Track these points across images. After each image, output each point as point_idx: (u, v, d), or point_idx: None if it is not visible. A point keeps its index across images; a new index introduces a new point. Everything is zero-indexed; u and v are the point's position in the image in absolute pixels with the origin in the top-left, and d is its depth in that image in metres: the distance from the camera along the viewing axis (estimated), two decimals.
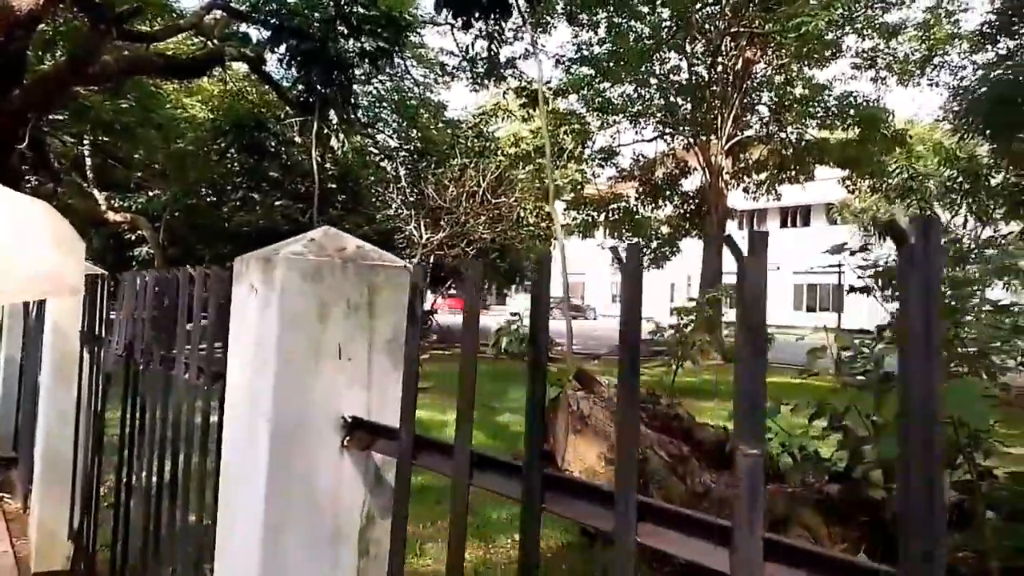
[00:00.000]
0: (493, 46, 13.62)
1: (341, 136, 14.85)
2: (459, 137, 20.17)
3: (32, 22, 11.89)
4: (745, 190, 20.73)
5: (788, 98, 18.47)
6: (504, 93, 20.09)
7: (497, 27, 12.48)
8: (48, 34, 14.36)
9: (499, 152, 19.28)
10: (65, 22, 13.54)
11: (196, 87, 23.19)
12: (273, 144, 15.15)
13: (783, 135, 19.40)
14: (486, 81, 19.08)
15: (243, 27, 19.76)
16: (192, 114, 21.55)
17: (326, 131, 14.39)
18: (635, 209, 20.86)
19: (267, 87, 19.88)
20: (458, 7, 8.83)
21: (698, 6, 18.29)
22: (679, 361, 11.50)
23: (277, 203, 19.49)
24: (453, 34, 18.56)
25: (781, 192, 20.73)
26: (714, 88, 18.27)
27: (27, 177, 16.13)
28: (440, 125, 20.85)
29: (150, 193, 23.89)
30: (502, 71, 14.12)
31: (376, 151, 22.56)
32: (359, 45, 13.60)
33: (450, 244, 16.55)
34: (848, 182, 20.04)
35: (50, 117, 19.00)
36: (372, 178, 22.33)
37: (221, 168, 21.61)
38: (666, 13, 19.79)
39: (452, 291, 21.84)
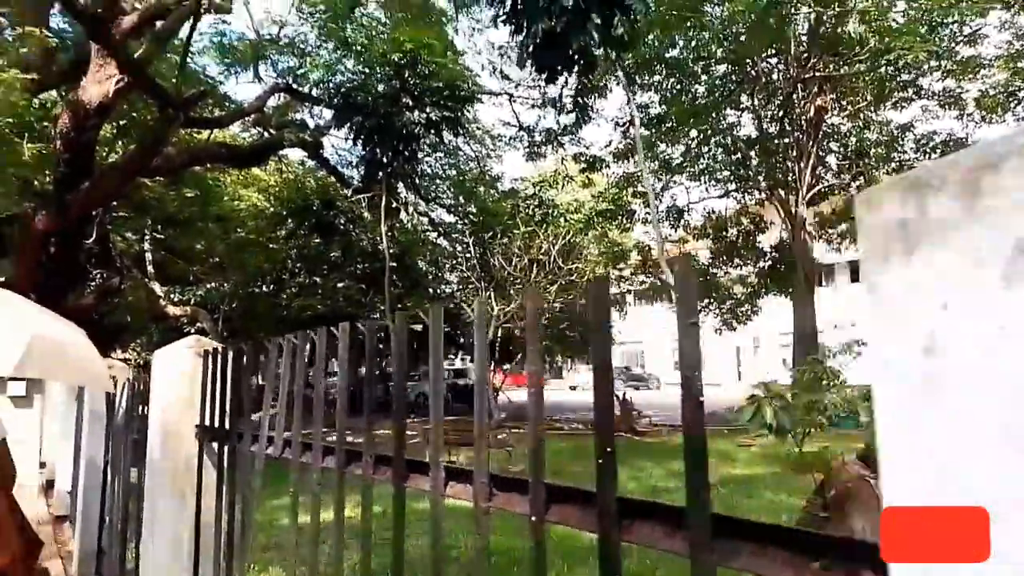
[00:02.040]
0: (580, 99, 13.09)
1: (410, 209, 14.37)
2: (519, 207, 19.65)
3: (102, 113, 11.80)
4: (828, 242, 19.62)
5: (865, 143, 17.59)
6: (563, 160, 19.69)
7: (583, 81, 12.00)
8: (115, 126, 14.33)
9: (562, 218, 18.67)
10: (132, 113, 13.47)
11: (252, 178, 23.37)
12: (342, 222, 14.75)
13: (860, 182, 18.39)
14: (556, 142, 18.63)
15: (300, 114, 20.06)
16: (252, 202, 21.61)
17: (394, 205, 13.92)
18: (707, 269, 19.86)
19: (324, 172, 19.95)
20: (543, 62, 8.26)
21: (755, 59, 17.73)
22: (805, 431, 10.22)
23: (339, 285, 19.09)
24: (512, 104, 18.29)
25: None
26: (787, 139, 17.51)
27: (92, 271, 15.99)
28: (497, 196, 20.40)
29: (208, 286, 23.84)
30: (582, 123, 13.60)
31: (431, 228, 22.23)
32: (424, 116, 13.23)
33: (520, 316, 15.73)
34: None
35: (112, 214, 19.15)
36: (429, 256, 21.89)
37: (280, 255, 21.46)
38: (721, 69, 19.32)
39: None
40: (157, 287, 21.12)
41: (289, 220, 20.47)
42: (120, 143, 15.07)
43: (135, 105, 14.19)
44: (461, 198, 20.53)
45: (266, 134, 18.94)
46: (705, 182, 19.97)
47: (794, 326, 16.75)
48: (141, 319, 22.76)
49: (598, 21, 7.51)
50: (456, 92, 14.00)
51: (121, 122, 15.11)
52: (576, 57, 8.04)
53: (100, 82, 11.71)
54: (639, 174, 17.75)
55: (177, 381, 2.69)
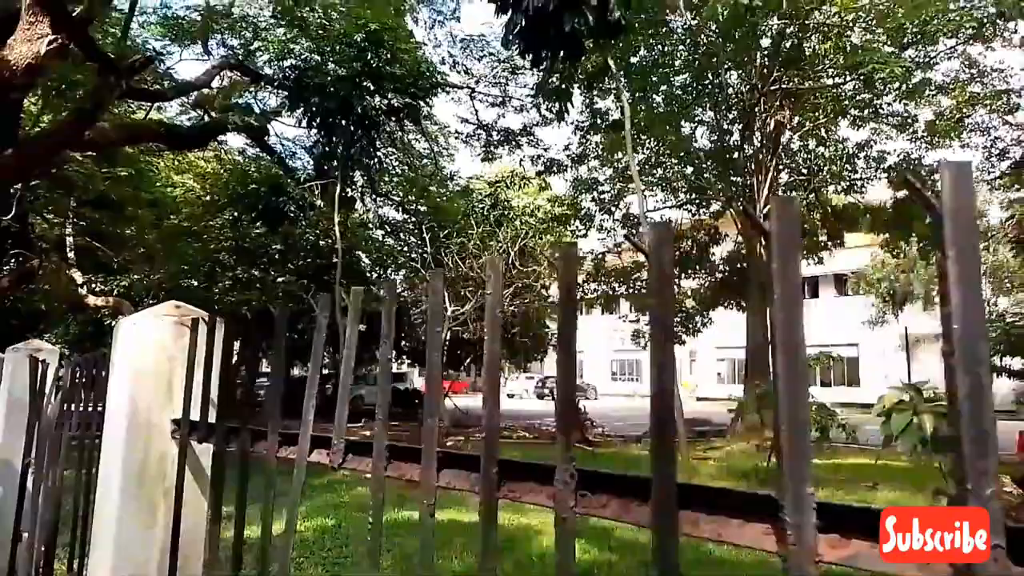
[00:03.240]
0: (566, 86, 12.60)
1: (366, 200, 13.59)
2: (474, 206, 19.09)
3: (30, 75, 10.65)
4: None
5: (819, 161, 17.80)
6: (520, 161, 19.27)
7: (571, 67, 11.52)
8: (42, 96, 13.09)
9: (517, 220, 18.19)
10: (62, 85, 12.30)
11: (188, 163, 22.08)
12: (291, 210, 13.85)
13: (811, 198, 18.63)
14: (514, 143, 18.17)
15: (245, 98, 18.97)
16: (187, 188, 20.30)
17: (349, 194, 13.13)
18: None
19: (268, 161, 18.90)
20: (530, 43, 7.76)
21: (718, 70, 17.74)
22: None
23: (279, 280, 18.08)
24: (472, 99, 17.76)
25: (821, 257, 19.84)
26: (746, 152, 17.53)
27: (8, 253, 14.57)
28: (450, 195, 19.79)
29: (134, 276, 22.34)
30: (564, 113, 13.11)
31: (378, 225, 21.41)
32: (385, 102, 12.54)
33: (475, 318, 15.15)
34: (885, 248, 19.17)
35: (34, 192, 17.65)
36: (376, 253, 21.07)
37: (215, 245, 20.24)
38: (679, 79, 19.31)
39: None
40: (77, 274, 19.59)
41: (228, 208, 19.30)
42: (47, 117, 13.79)
43: (68, 76, 12.99)
44: (411, 195, 19.80)
45: (207, 118, 17.83)
46: (662, 191, 19.87)
47: (747, 339, 16.73)
48: (58, 308, 21.13)
49: (594, 2, 7.09)
50: (419, 80, 13.37)
51: (50, 95, 13.86)
52: (565, 41, 7.56)
53: (30, 40, 10.54)
54: (626, 163, 17.24)
55: (150, 360, 2.03)
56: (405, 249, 21.30)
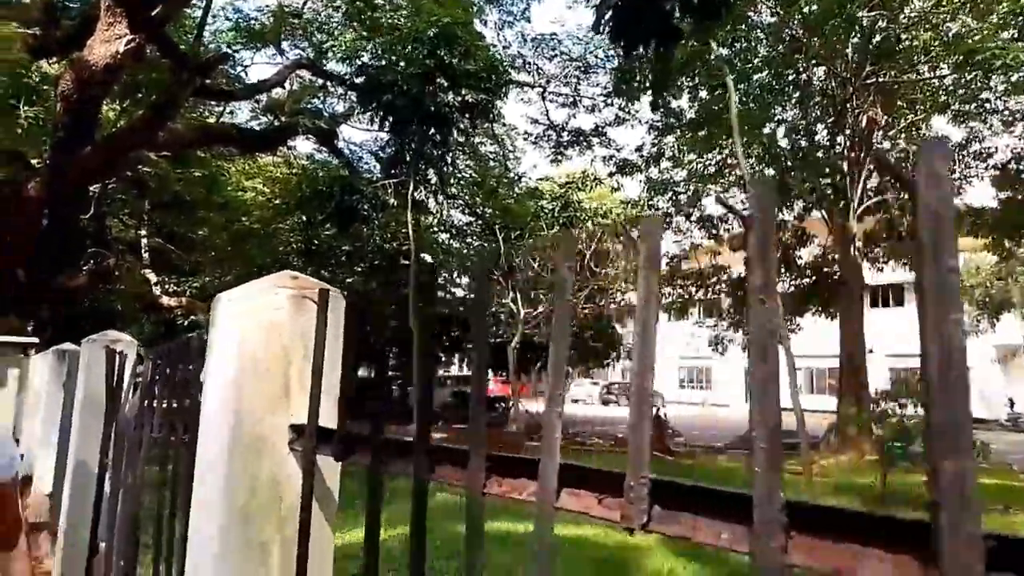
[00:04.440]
0: (659, 74, 12.00)
1: (439, 198, 13.23)
2: (543, 208, 18.56)
3: (108, 75, 10.65)
4: (873, 260, 18.57)
5: (914, 159, 16.57)
6: (592, 161, 18.68)
7: (666, 54, 10.87)
8: (119, 98, 13.18)
9: (589, 222, 17.58)
10: (139, 90, 12.33)
11: (258, 167, 22.33)
12: (365, 208, 13.61)
13: (905, 198, 17.40)
14: (585, 143, 17.60)
15: (316, 101, 18.96)
16: (259, 191, 20.47)
17: (422, 193, 12.79)
18: (741, 282, 18.73)
19: (337, 163, 18.82)
20: (624, 27, 7.15)
21: (806, 65, 16.77)
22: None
23: (348, 281, 17.93)
24: (543, 99, 17.28)
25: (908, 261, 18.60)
26: (836, 150, 16.50)
27: (86, 251, 14.76)
28: (518, 196, 19.32)
29: (205, 278, 22.66)
30: (660, 101, 12.52)
31: (443, 229, 21.09)
32: (459, 98, 12.14)
33: (547, 321, 14.59)
34: (990, 250, 17.76)
35: (110, 194, 17.98)
36: (443, 256, 20.77)
37: (284, 248, 20.33)
38: (758, 77, 18.41)
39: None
40: (151, 275, 19.92)
41: (297, 211, 19.34)
42: (122, 121, 13.91)
43: (143, 77, 13.05)
44: (479, 197, 19.42)
45: (277, 122, 17.87)
46: (742, 192, 18.95)
47: (841, 346, 15.64)
48: (133, 308, 21.52)
49: None
50: (492, 76, 12.94)
51: (126, 98, 13.99)
52: (662, 24, 6.94)
53: (108, 41, 10.56)
54: (731, 147, 16.40)
55: (258, 346, 1.54)
56: (470, 252, 20.94)
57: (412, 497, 1.08)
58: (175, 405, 2.23)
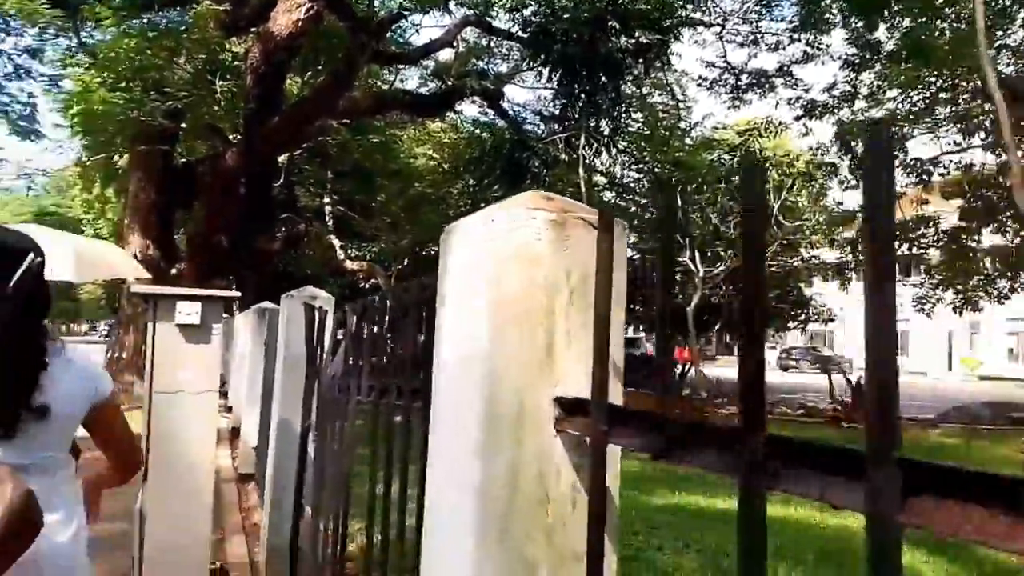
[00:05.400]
0: None
1: (613, 151, 12.61)
2: (721, 159, 17.30)
3: (291, 43, 11.04)
4: None
5: None
6: (776, 105, 17.06)
7: None
8: (301, 64, 13.70)
9: (773, 172, 16.13)
10: (319, 44, 12.69)
11: (427, 134, 22.82)
12: (535, 164, 13.32)
13: None
14: (768, 85, 16.13)
15: (481, 62, 18.88)
16: (428, 157, 20.93)
17: (595, 145, 12.22)
18: (961, 236, 16.31)
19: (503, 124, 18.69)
20: None
21: None
22: None
23: None
24: (720, 39, 15.94)
25: None
26: None
27: (279, 217, 15.77)
28: (692, 148, 18.15)
29: (382, 244, 23.69)
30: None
31: (610, 187, 20.36)
32: (631, 41, 11.36)
33: (728, 280, 13.62)
34: None
35: (297, 163, 19.07)
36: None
37: (454, 211, 20.67)
38: None
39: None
40: (335, 241, 21.07)
41: (466, 174, 19.51)
42: (306, 90, 14.50)
43: (321, 48, 13.47)
44: (647, 152, 18.44)
45: (444, 87, 18.00)
46: (959, 132, 16.51)
47: None
48: (320, 271, 22.94)
49: None
50: (666, 15, 12.00)
51: (306, 77, 14.55)
52: None
53: (290, 10, 10.93)
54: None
55: (512, 290, 1.11)
56: (639, 211, 20.11)
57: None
58: (387, 365, 1.91)
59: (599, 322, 0.99)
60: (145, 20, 11.24)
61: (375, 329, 2.08)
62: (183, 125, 12.91)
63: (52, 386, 1.62)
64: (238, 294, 3.34)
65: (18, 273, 1.54)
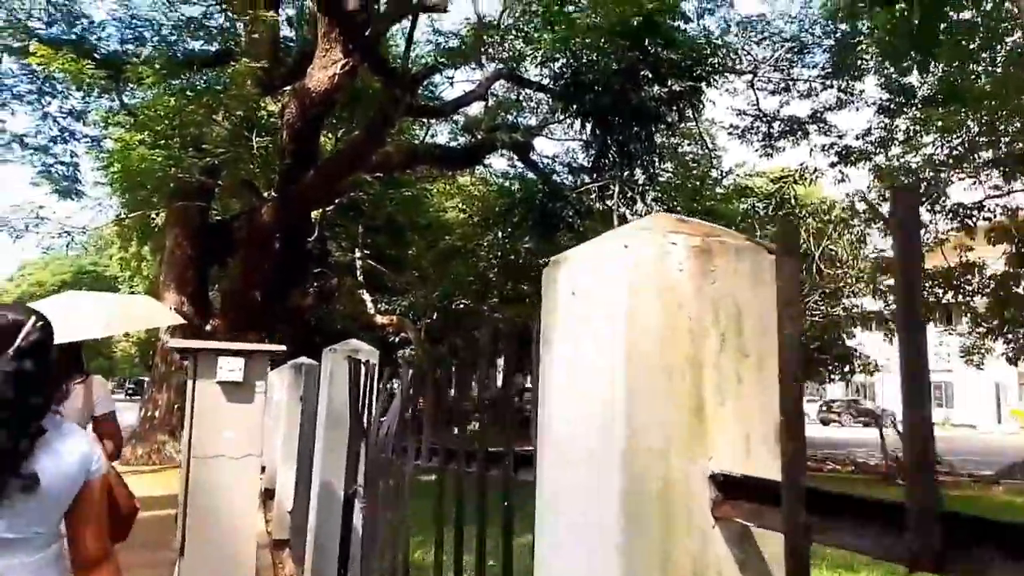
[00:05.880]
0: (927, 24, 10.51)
1: (648, 198, 12.45)
2: (754, 207, 17.06)
3: (327, 99, 11.17)
4: None
5: None
6: (811, 151, 16.84)
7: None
8: (335, 122, 13.89)
9: (810, 219, 15.80)
10: (354, 100, 12.86)
11: (457, 188, 22.99)
12: (570, 214, 13.19)
13: None
14: (802, 131, 15.98)
15: (511, 116, 19.06)
16: (458, 209, 21.03)
17: (629, 193, 12.07)
18: (1008, 283, 15.74)
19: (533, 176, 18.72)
20: None
21: None
22: None
23: None
24: (751, 87, 15.89)
25: None
26: None
27: (311, 273, 15.78)
28: (725, 195, 17.98)
29: (411, 298, 23.69)
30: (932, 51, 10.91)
31: None
32: (664, 90, 11.30)
33: None
34: None
35: (329, 219, 19.23)
36: None
37: (483, 264, 20.61)
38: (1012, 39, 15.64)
39: None
40: (367, 295, 21.05)
41: (495, 227, 19.49)
42: (339, 139, 14.68)
43: (355, 98, 13.66)
44: (677, 201, 18.27)
45: (474, 140, 18.17)
46: (1000, 174, 16.11)
47: None
48: (350, 326, 22.92)
49: None
50: (699, 62, 11.97)
51: (339, 134, 14.76)
52: None
53: (326, 67, 11.09)
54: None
55: (647, 331, 0.88)
56: None
57: None
58: (457, 425, 1.68)
59: (786, 371, 0.75)
60: (184, 79, 11.50)
61: (442, 381, 1.85)
62: (219, 182, 13.08)
63: (46, 458, 1.59)
64: (283, 348, 3.14)
65: (13, 347, 1.57)
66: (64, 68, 9.65)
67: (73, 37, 14.01)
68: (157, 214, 14.45)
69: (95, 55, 12.46)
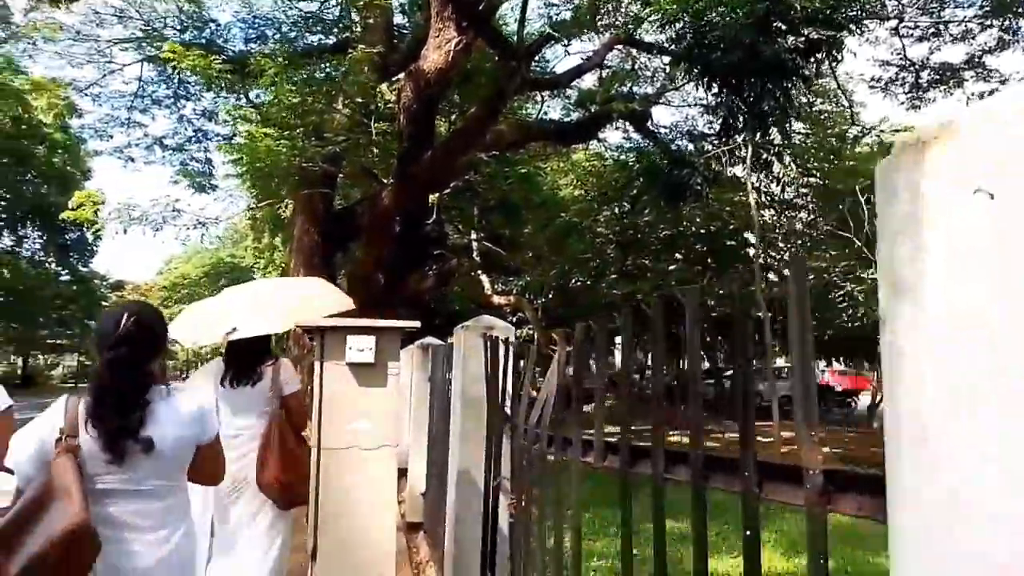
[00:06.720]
0: None
1: (786, 159, 11.50)
2: None
3: (442, 79, 11.04)
4: None
5: None
6: (968, 101, 15.05)
7: None
8: (450, 102, 13.79)
9: None
10: (468, 77, 12.69)
11: (572, 165, 22.54)
12: (698, 182, 12.45)
13: None
14: (956, 79, 14.34)
15: (627, 85, 18.32)
16: (574, 186, 20.57)
17: (764, 156, 11.19)
18: None
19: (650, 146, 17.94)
20: None
21: None
22: None
23: (671, 268, 16.91)
24: (897, 34, 14.39)
25: None
26: None
27: (430, 254, 15.88)
28: (868, 154, 16.47)
29: (527, 277, 23.59)
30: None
31: (767, 202, 18.90)
32: (801, 40, 10.33)
33: None
34: None
35: (446, 205, 19.34)
36: (768, 233, 18.64)
37: (599, 240, 20.10)
38: None
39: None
40: (484, 276, 21.10)
41: (613, 202, 18.91)
42: (452, 122, 14.59)
43: (469, 75, 13.49)
44: (812, 163, 16.91)
45: (588, 114, 17.61)
46: None
47: None
48: (468, 308, 23.10)
49: None
50: (837, 8, 10.87)
51: (453, 117, 14.66)
52: None
53: (440, 47, 10.93)
54: None
55: None
56: (803, 228, 18.53)
57: None
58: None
59: None
60: (305, 72, 11.73)
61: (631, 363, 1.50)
62: (341, 172, 13.35)
63: (156, 425, 1.91)
64: (416, 324, 2.92)
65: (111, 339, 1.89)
66: (193, 65, 10.03)
67: (203, 41, 14.72)
68: (285, 205, 14.97)
69: (223, 56, 13.01)
